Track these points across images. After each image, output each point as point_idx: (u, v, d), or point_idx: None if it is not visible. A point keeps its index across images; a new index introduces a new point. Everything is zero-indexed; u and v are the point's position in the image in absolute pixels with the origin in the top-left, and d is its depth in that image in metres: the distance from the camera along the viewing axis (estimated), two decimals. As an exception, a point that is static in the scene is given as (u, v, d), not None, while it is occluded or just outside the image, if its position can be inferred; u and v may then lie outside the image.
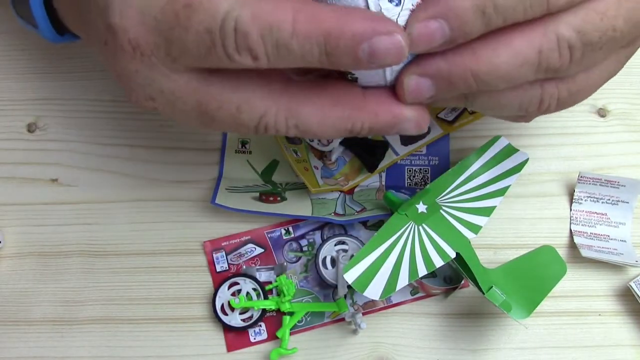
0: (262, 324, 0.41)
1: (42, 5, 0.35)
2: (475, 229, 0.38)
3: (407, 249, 0.37)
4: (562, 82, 0.30)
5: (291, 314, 0.40)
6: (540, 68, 0.28)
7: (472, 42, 0.27)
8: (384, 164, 0.43)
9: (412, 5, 0.27)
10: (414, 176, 0.43)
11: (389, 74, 0.29)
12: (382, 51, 0.25)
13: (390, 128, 0.29)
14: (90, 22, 0.30)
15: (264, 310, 0.40)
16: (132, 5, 0.27)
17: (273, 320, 0.41)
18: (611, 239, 0.41)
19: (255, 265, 0.42)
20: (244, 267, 0.42)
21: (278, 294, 0.41)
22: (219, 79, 0.28)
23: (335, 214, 0.42)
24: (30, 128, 0.45)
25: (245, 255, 0.42)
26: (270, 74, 0.28)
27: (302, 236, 0.42)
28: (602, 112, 0.44)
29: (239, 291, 0.41)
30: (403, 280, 0.35)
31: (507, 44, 0.27)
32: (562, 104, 0.31)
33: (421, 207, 0.38)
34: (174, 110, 0.29)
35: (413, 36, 0.27)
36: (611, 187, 0.41)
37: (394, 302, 0.41)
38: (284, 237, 0.42)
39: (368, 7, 0.27)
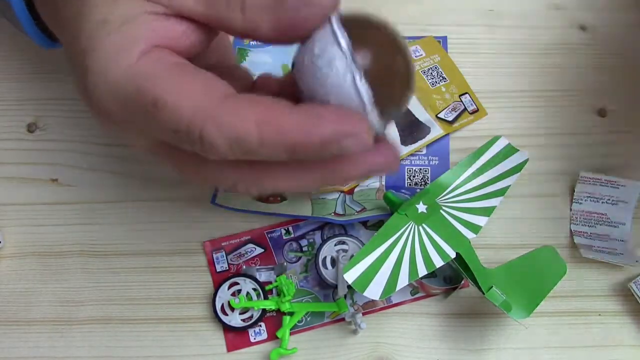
0: (262, 324, 0.41)
1: (26, 11, 0.34)
2: (475, 229, 0.38)
3: (407, 249, 0.37)
4: None
5: (291, 314, 0.40)
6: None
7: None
8: (384, 164, 0.43)
9: None
10: (414, 176, 0.43)
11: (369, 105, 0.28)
12: (350, 149, 0.25)
13: (365, 177, 0.31)
14: (70, 62, 0.29)
15: (264, 310, 0.41)
16: (106, 80, 0.26)
17: (273, 320, 0.41)
18: (611, 239, 0.41)
19: (255, 265, 0.42)
20: (244, 267, 0.42)
21: (278, 294, 0.41)
22: (188, 154, 0.28)
23: (335, 214, 0.42)
24: (30, 128, 0.45)
25: (245, 255, 0.42)
26: None
27: (302, 236, 0.42)
28: (602, 112, 0.44)
29: (239, 291, 0.41)
30: (403, 280, 0.35)
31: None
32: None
33: (421, 207, 0.38)
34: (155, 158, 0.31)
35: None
36: (611, 187, 0.41)
37: (394, 302, 0.41)
38: (284, 237, 0.42)
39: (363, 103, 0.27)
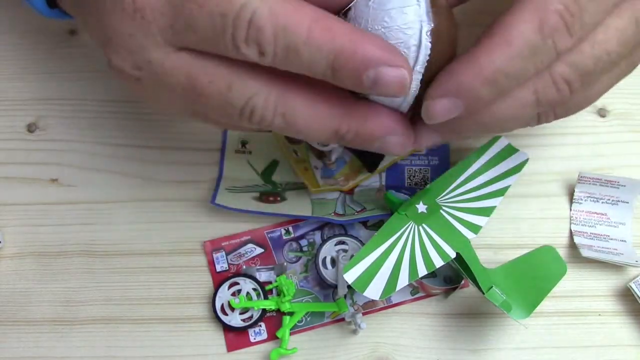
0: (262, 324, 0.41)
1: None
2: (475, 229, 0.38)
3: (407, 249, 0.37)
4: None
5: (291, 314, 0.40)
6: (540, 104, 0.29)
7: None
8: (384, 164, 0.43)
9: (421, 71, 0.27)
10: (414, 176, 0.43)
11: (405, 103, 0.29)
12: (385, 81, 0.25)
13: (375, 139, 0.29)
14: None
15: (264, 310, 0.40)
16: None
17: (273, 320, 0.41)
18: (611, 239, 0.41)
19: (255, 265, 0.42)
20: (244, 267, 0.42)
21: (278, 294, 0.41)
22: (214, 56, 0.27)
23: (335, 214, 0.42)
24: (30, 128, 0.45)
25: (245, 255, 0.42)
26: None
27: (302, 236, 0.42)
28: (602, 112, 0.44)
29: (239, 291, 0.41)
30: (403, 280, 0.35)
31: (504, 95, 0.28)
32: (561, 117, 0.32)
33: (421, 207, 0.38)
34: (158, 85, 0.28)
35: (428, 112, 0.27)
36: (611, 187, 0.41)
37: (394, 302, 0.41)
38: (284, 237, 0.42)
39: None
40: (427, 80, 0.28)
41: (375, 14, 0.26)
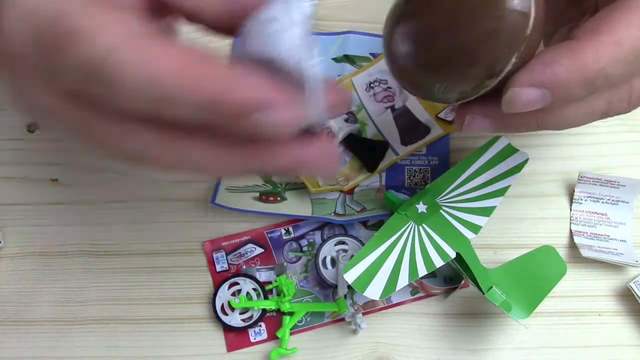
0: (262, 324, 0.41)
1: None
2: (475, 229, 0.38)
3: (407, 249, 0.37)
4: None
5: (291, 314, 0.40)
6: (606, 114, 0.28)
7: None
8: (384, 164, 0.43)
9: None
10: (414, 176, 0.43)
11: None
12: (265, 125, 0.23)
13: (294, 171, 0.26)
14: None
15: (264, 310, 0.41)
16: (22, 10, 0.24)
17: (273, 320, 0.41)
18: (611, 239, 0.41)
19: (255, 265, 0.42)
20: (244, 267, 0.42)
21: (278, 294, 0.41)
22: (97, 105, 0.25)
23: (335, 214, 0.42)
24: (30, 128, 0.45)
25: (245, 255, 0.42)
26: None
27: (302, 236, 0.42)
28: (602, 112, 0.44)
29: (239, 291, 0.41)
30: (403, 280, 0.35)
31: (581, 103, 0.27)
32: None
33: (421, 207, 0.38)
34: (50, 125, 0.26)
35: (513, 99, 0.26)
36: (611, 187, 0.41)
37: (394, 302, 0.41)
38: (284, 237, 0.42)
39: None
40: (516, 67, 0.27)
41: (261, 37, 0.24)
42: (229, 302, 0.41)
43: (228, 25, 0.25)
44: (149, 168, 0.25)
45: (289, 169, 0.26)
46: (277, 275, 0.41)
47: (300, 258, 0.42)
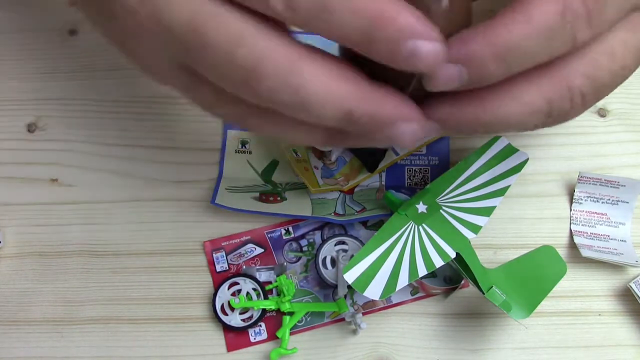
0: (262, 324, 0.41)
1: None
2: (475, 229, 0.38)
3: (407, 249, 0.37)
4: None
5: (291, 314, 0.40)
6: (550, 114, 0.28)
7: (481, 90, 0.27)
8: (384, 164, 0.43)
9: None
10: (414, 176, 0.43)
11: None
12: (422, 55, 0.23)
13: (389, 125, 0.26)
14: None
15: (264, 310, 0.41)
16: None
17: (273, 320, 0.41)
18: (611, 239, 0.41)
19: (255, 265, 0.42)
20: (244, 267, 0.42)
21: (278, 294, 0.41)
22: (230, 2, 0.24)
23: (335, 214, 0.42)
24: (30, 128, 0.45)
25: (245, 255, 0.42)
26: None
27: (302, 236, 0.42)
28: (602, 112, 0.44)
29: (239, 291, 0.41)
30: (403, 280, 0.35)
31: (516, 97, 0.27)
32: (554, 125, 0.31)
33: (421, 207, 0.38)
34: (152, 21, 0.25)
35: (432, 77, 0.26)
36: (611, 187, 0.41)
37: (394, 302, 0.41)
38: (284, 237, 0.42)
39: None
40: None
41: None
42: (229, 302, 0.41)
43: None
44: (256, 95, 0.26)
45: (390, 123, 0.26)
46: (277, 275, 0.41)
47: (300, 258, 0.42)
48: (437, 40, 0.24)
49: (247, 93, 0.25)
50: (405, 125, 0.26)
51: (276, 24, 0.25)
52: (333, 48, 0.27)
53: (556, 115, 0.28)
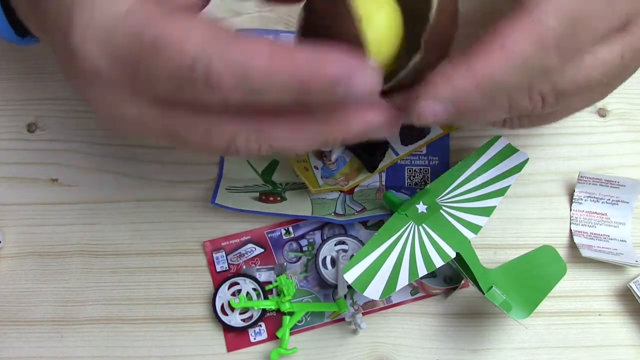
0: (262, 324, 0.41)
1: None
2: (475, 229, 0.38)
3: (407, 249, 0.37)
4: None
5: (291, 314, 0.40)
6: (511, 112, 0.29)
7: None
8: (384, 164, 0.43)
9: None
10: (414, 176, 0.43)
11: None
12: (357, 90, 0.24)
13: (362, 135, 0.28)
14: (50, 31, 0.28)
15: (264, 310, 0.41)
16: (95, 30, 0.25)
17: (273, 320, 0.41)
18: (611, 239, 0.41)
19: (255, 265, 0.42)
20: (244, 267, 0.42)
21: (278, 294, 0.41)
22: (186, 105, 0.26)
23: (335, 214, 0.42)
24: (30, 128, 0.45)
25: (245, 255, 0.42)
26: None
27: (302, 236, 0.42)
28: (602, 112, 0.44)
29: (239, 291, 0.41)
30: (403, 280, 0.35)
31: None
32: (525, 127, 0.33)
33: (421, 207, 0.38)
34: (142, 133, 0.28)
35: (418, 112, 0.27)
36: (611, 187, 0.41)
37: (394, 302, 0.41)
38: (284, 237, 0.42)
39: None
40: (428, 49, 0.28)
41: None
42: (229, 302, 0.41)
43: None
44: (236, 156, 0.27)
45: (360, 133, 0.27)
46: (277, 275, 0.41)
47: (300, 258, 0.42)
48: (364, 71, 0.24)
49: (192, 86, 0.25)
50: (359, 75, 0.25)
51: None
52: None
53: (515, 112, 0.29)
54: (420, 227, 0.37)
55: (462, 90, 0.26)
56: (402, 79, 0.29)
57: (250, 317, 0.41)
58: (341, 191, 0.43)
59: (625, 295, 0.41)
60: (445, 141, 0.43)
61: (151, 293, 0.42)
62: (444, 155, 0.43)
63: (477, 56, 0.26)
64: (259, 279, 0.41)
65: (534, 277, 0.37)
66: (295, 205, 0.42)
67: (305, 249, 0.42)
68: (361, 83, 0.24)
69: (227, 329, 0.41)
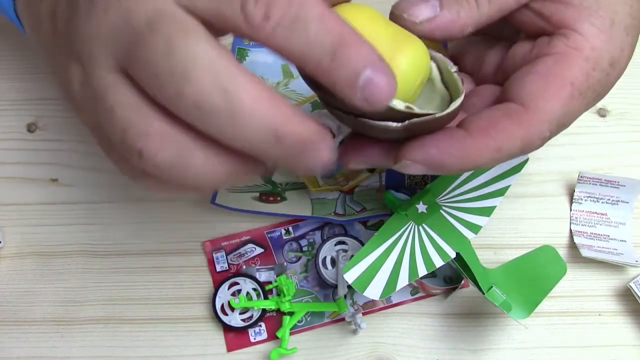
0: (262, 324, 0.41)
1: None
2: (475, 229, 0.38)
3: (407, 249, 0.37)
4: None
5: (291, 314, 0.40)
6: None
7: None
8: (384, 164, 0.43)
9: None
10: (414, 176, 0.43)
11: None
12: (377, 87, 0.25)
13: (311, 149, 0.27)
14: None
15: (264, 310, 0.40)
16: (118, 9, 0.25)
17: (273, 320, 0.41)
18: (611, 239, 0.41)
19: (255, 265, 0.42)
20: (244, 267, 0.42)
21: (278, 294, 0.41)
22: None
23: (335, 214, 0.42)
24: (30, 128, 0.45)
25: (245, 255, 0.42)
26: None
27: (302, 236, 0.42)
28: (602, 112, 0.44)
29: (239, 291, 0.41)
30: (403, 280, 0.35)
31: None
32: None
33: (421, 207, 0.38)
34: (90, 96, 0.27)
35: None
36: (611, 187, 0.41)
37: (394, 302, 0.41)
38: (284, 237, 0.42)
39: None
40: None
41: None
42: (229, 302, 0.41)
43: None
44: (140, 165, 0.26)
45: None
46: (277, 275, 0.41)
47: (300, 258, 0.42)
48: (392, 77, 0.25)
49: (176, 96, 0.24)
50: (324, 147, 0.26)
51: None
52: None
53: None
54: (420, 227, 0.37)
55: (448, 164, 0.30)
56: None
57: (250, 317, 0.41)
58: (341, 191, 0.43)
59: (625, 295, 0.41)
60: (445, 141, 0.43)
61: (151, 293, 0.42)
62: (444, 155, 0.43)
63: (471, 144, 0.30)
64: (259, 279, 0.41)
65: (534, 277, 0.37)
66: (295, 205, 0.42)
67: (305, 249, 0.42)
68: (320, 156, 0.26)
69: (227, 329, 0.41)
